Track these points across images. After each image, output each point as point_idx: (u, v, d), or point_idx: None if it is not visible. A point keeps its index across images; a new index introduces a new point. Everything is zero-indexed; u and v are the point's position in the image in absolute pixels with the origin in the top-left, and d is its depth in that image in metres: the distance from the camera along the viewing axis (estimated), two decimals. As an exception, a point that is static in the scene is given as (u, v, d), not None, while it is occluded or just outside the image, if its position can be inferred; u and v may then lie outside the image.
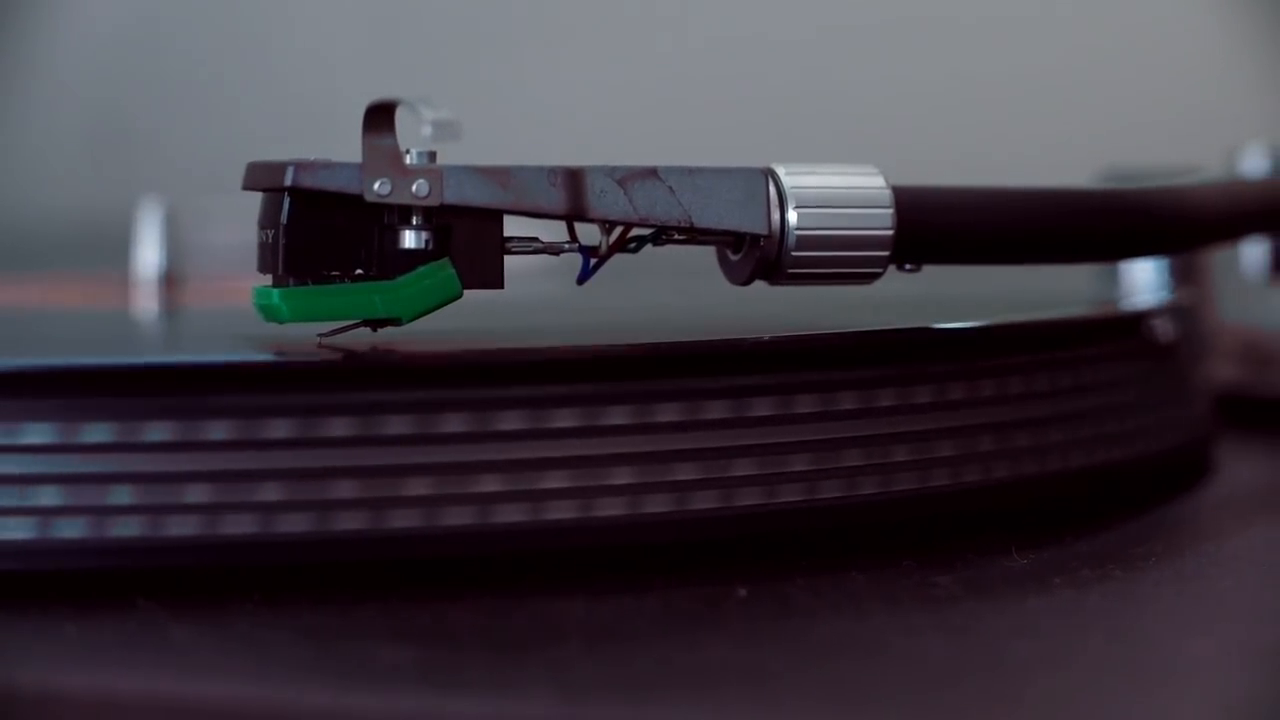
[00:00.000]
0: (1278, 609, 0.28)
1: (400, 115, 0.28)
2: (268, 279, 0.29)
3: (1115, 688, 0.24)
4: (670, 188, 0.30)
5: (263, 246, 0.29)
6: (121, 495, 0.27)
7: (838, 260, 0.30)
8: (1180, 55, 0.69)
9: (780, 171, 0.30)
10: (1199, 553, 0.32)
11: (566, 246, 0.30)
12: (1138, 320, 0.35)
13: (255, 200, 0.29)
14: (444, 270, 0.29)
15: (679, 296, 0.41)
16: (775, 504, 0.29)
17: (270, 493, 0.27)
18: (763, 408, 0.29)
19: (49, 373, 0.28)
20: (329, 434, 0.27)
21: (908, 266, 0.31)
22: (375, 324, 0.29)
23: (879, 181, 0.30)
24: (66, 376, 0.28)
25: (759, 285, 0.31)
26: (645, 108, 0.77)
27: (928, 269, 0.31)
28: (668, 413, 0.29)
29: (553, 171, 0.29)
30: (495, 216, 0.29)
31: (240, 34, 0.86)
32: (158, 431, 0.27)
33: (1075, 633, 0.26)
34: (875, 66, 0.74)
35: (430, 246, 0.29)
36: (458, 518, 0.28)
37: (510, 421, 0.28)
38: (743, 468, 0.29)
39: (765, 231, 0.30)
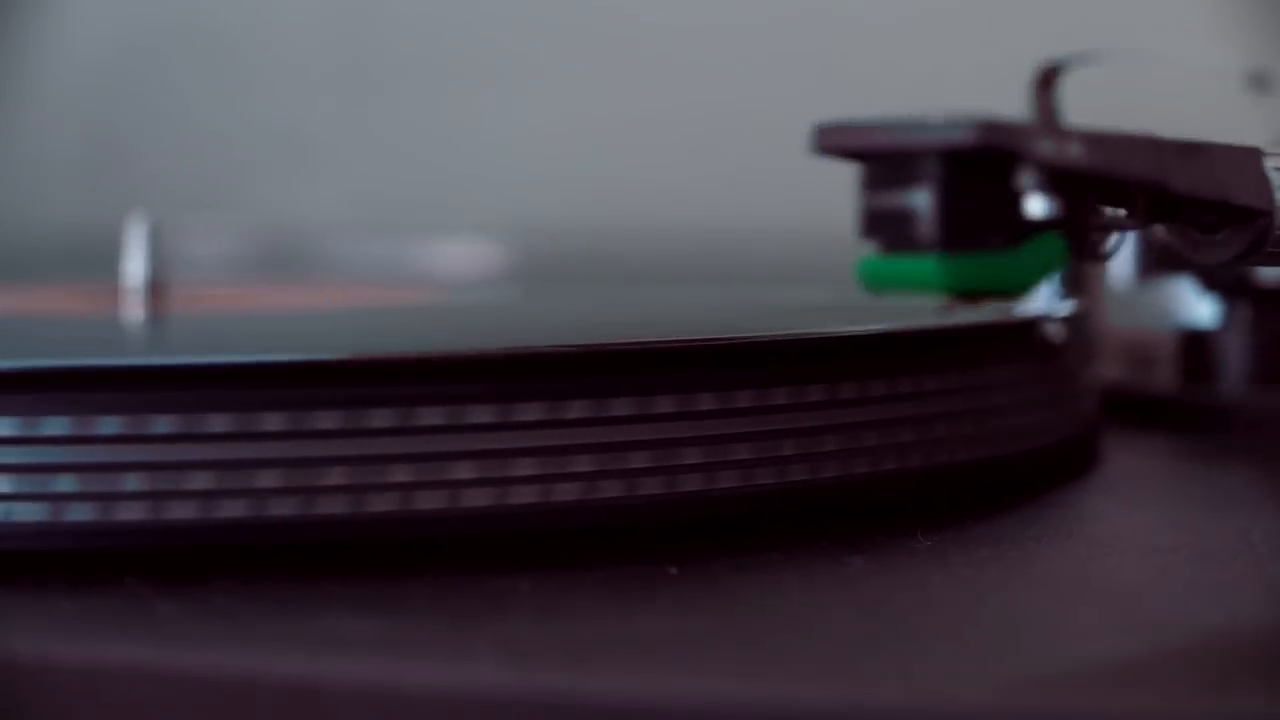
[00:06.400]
0: (1154, 583, 0.28)
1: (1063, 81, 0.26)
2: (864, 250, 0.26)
3: (1010, 655, 0.24)
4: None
5: (884, 213, 0.25)
6: (120, 484, 0.27)
7: None
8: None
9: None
10: (1085, 534, 0.32)
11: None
12: (1032, 325, 0.36)
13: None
14: (1058, 242, 0.26)
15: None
16: (708, 491, 0.29)
17: (261, 480, 0.27)
18: (705, 402, 0.29)
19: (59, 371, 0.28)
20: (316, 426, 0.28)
21: None
22: (976, 297, 0.26)
23: None
24: (75, 375, 0.28)
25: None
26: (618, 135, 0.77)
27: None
28: (662, 406, 0.29)
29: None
30: (1098, 190, 0.26)
31: (221, 63, 0.85)
32: (160, 424, 0.27)
33: (973, 606, 0.27)
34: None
35: (1055, 215, 0.26)
36: (429, 503, 0.28)
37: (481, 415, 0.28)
38: (686, 457, 0.29)
39: (1267, 208, 0.28)
